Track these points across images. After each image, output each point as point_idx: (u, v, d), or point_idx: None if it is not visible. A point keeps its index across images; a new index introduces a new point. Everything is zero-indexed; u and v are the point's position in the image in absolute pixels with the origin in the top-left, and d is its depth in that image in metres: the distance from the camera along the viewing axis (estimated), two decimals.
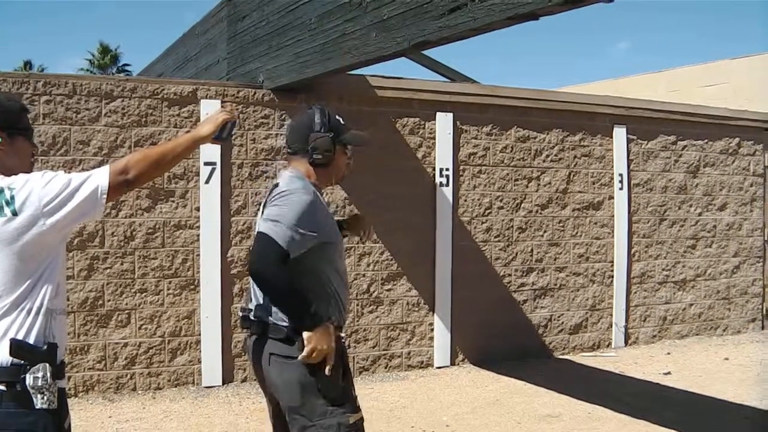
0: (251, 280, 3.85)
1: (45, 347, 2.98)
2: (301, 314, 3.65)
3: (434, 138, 9.30)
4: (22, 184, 2.94)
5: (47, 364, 2.96)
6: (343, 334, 3.91)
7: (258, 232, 3.67)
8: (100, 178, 2.98)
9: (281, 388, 3.75)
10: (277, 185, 3.81)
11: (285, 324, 3.71)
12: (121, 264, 7.82)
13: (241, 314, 3.98)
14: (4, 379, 2.89)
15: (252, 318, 3.86)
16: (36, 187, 2.92)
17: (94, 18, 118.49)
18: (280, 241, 3.58)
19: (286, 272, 3.61)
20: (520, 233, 9.88)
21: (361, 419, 3.81)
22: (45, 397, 2.94)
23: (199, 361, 8.16)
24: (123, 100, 7.90)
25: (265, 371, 3.81)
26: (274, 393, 3.84)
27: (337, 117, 3.98)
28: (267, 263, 3.59)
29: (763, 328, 12.15)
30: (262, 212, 3.82)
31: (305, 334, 3.62)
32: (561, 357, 10.14)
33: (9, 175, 3.03)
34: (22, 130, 3.22)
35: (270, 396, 3.94)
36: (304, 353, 3.61)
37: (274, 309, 3.75)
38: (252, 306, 3.88)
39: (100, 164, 7.56)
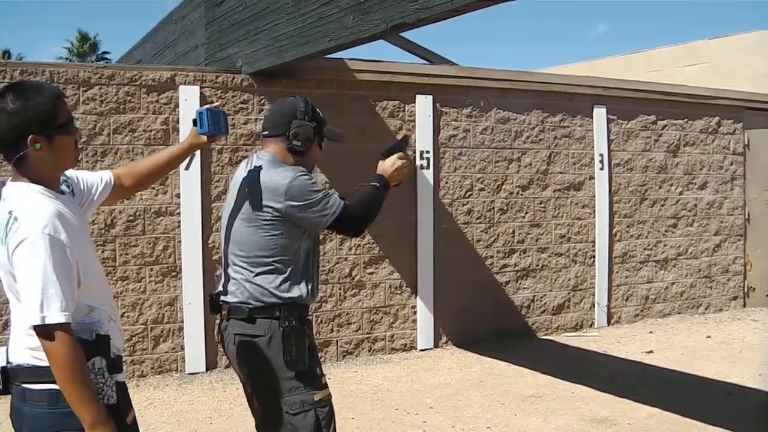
0: (223, 266, 3.93)
1: (94, 339, 2.89)
2: (375, 199, 4.02)
3: (414, 121, 9.29)
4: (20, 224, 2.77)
5: (101, 358, 2.87)
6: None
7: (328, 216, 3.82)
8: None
9: (247, 368, 3.80)
10: (259, 167, 3.83)
11: (247, 304, 3.76)
12: (102, 252, 7.78)
13: (209, 299, 4.02)
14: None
15: (220, 302, 3.90)
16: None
17: (73, 6, 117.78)
18: (336, 204, 3.82)
19: (354, 207, 3.91)
20: (501, 215, 9.89)
21: (329, 396, 3.84)
22: (102, 393, 2.84)
23: (182, 348, 8.15)
24: (101, 88, 7.85)
25: (233, 352, 3.87)
26: (242, 373, 3.89)
27: (317, 109, 4.03)
28: (352, 220, 3.92)
29: (744, 305, 12.22)
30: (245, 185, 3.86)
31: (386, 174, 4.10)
32: (544, 337, 10.17)
33: (46, 181, 2.90)
34: (62, 126, 2.92)
35: (242, 377, 3.97)
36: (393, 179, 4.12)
37: (234, 289, 3.80)
38: (222, 289, 3.93)
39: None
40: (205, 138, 3.69)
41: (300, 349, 3.73)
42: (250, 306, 3.75)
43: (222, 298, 3.89)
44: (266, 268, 3.75)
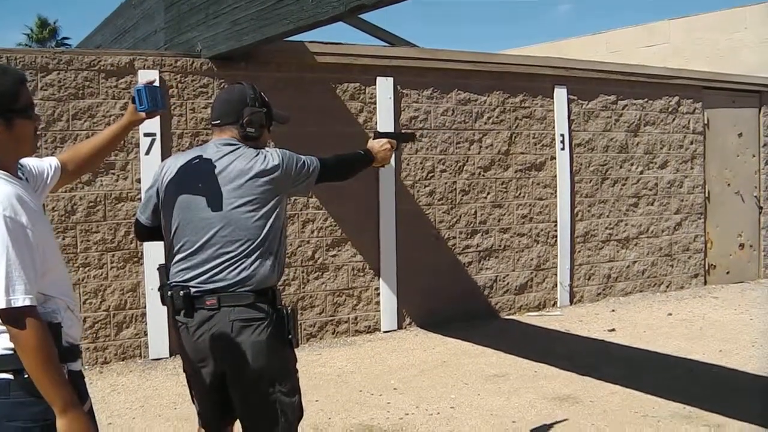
0: (190, 252, 3.80)
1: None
2: (352, 159, 4.43)
3: (375, 103, 9.29)
4: None
5: None
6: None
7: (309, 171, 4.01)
8: None
9: (240, 352, 3.70)
10: (231, 152, 3.84)
11: (250, 288, 3.72)
12: (63, 238, 7.74)
13: (182, 293, 3.77)
14: (9, 367, 2.72)
15: (199, 292, 3.75)
16: None
17: None
18: (312, 159, 4.06)
19: (335, 162, 4.25)
20: (463, 196, 9.92)
21: None
22: None
23: (146, 334, 8.12)
24: (59, 73, 7.79)
25: (218, 341, 3.74)
26: (228, 361, 3.76)
27: (262, 94, 4.05)
28: (329, 167, 4.14)
29: (705, 283, 12.34)
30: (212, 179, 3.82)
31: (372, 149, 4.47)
32: (507, 317, 10.23)
33: (4, 165, 2.83)
34: (21, 110, 2.86)
35: (211, 369, 3.83)
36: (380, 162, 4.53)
37: (233, 275, 3.73)
38: (195, 280, 3.78)
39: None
40: (143, 114, 3.68)
41: (297, 328, 3.85)
42: (254, 290, 3.73)
43: (206, 286, 3.75)
44: (261, 252, 3.75)
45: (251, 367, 3.72)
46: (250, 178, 3.75)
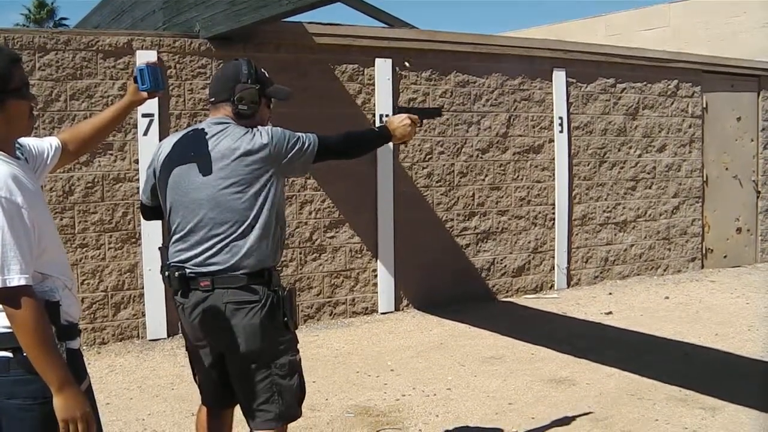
0: (185, 233, 3.80)
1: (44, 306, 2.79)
2: (363, 137, 4.49)
3: (373, 84, 9.28)
4: None
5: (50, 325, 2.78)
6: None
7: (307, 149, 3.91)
8: None
9: (234, 335, 3.71)
10: (213, 133, 3.79)
11: (243, 270, 3.71)
12: (61, 219, 7.73)
13: (177, 273, 3.80)
14: (8, 345, 2.73)
15: (194, 273, 3.76)
16: None
17: None
18: (310, 136, 3.95)
19: (339, 138, 4.12)
20: (461, 178, 9.92)
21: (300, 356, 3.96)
22: None
23: (143, 315, 8.13)
24: (57, 53, 7.77)
25: (212, 323, 3.76)
26: (223, 343, 3.78)
27: (262, 70, 3.99)
28: (334, 149, 4.08)
29: (702, 267, 12.36)
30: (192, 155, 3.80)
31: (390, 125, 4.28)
32: (504, 300, 10.24)
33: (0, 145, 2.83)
34: (14, 91, 2.83)
35: (210, 350, 3.88)
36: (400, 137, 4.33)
37: (227, 257, 3.72)
38: (190, 261, 3.78)
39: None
40: (145, 94, 3.65)
41: (294, 309, 3.82)
42: (247, 272, 3.72)
43: (201, 269, 3.76)
44: (253, 233, 3.73)
45: (245, 349, 3.73)
46: (237, 158, 3.71)
